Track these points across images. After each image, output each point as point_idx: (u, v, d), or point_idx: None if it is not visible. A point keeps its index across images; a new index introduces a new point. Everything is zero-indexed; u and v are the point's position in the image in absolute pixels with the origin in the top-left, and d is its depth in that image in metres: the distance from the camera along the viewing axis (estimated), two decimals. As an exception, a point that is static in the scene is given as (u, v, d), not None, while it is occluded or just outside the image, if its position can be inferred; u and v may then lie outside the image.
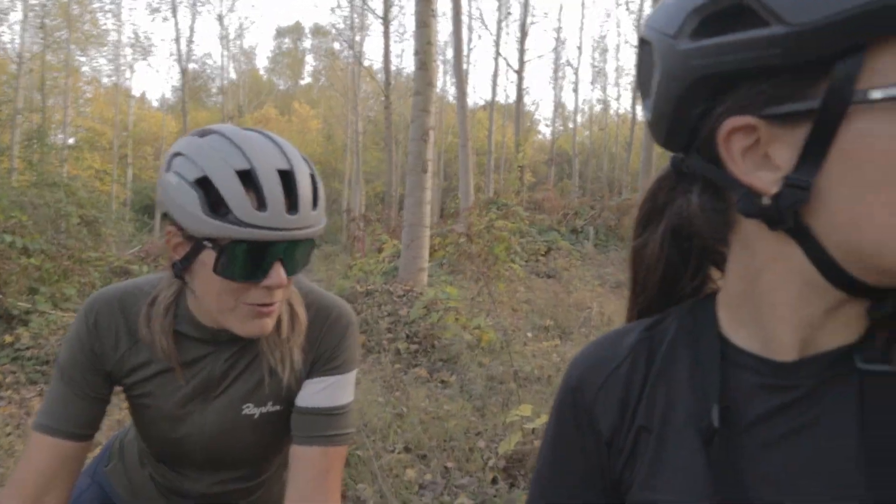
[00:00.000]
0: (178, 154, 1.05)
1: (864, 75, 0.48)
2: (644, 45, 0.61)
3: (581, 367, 0.72)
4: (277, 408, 1.25)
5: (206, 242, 1.03)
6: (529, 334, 6.36)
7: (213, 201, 1.00)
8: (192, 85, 38.88)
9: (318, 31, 51.33)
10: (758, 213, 0.55)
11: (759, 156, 0.54)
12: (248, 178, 1.00)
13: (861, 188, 0.49)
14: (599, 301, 7.81)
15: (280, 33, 56.39)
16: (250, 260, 1.03)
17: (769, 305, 0.59)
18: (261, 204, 1.00)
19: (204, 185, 1.00)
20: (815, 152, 0.50)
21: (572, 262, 11.28)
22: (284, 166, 1.04)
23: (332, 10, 49.65)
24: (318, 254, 18.24)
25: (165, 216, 1.08)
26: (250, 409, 1.24)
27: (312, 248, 1.14)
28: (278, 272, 1.06)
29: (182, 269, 1.10)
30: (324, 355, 1.24)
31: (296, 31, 55.26)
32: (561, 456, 0.73)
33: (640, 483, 0.65)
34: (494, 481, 3.44)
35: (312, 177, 1.08)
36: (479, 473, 3.53)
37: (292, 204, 1.03)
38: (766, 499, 0.57)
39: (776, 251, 0.57)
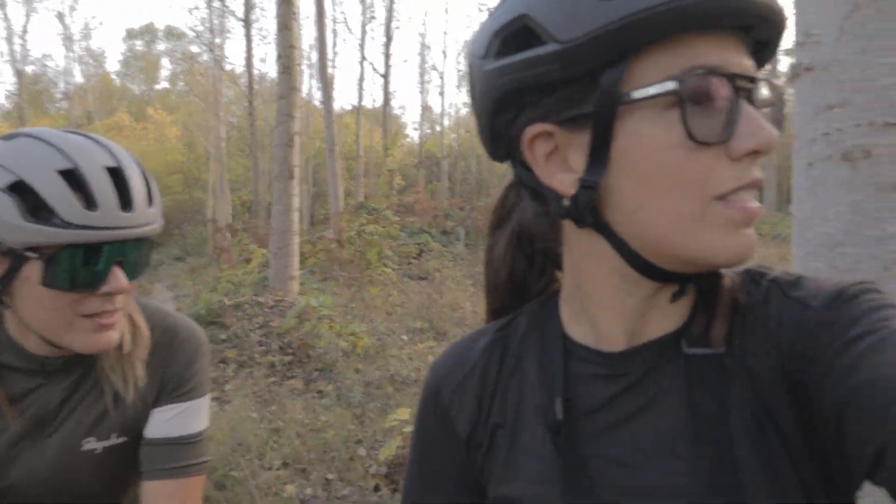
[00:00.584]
0: None
1: (627, 80, 0.54)
2: (468, 67, 0.66)
3: (438, 372, 0.76)
4: (123, 439, 1.14)
5: (28, 253, 0.93)
6: (405, 337, 6.38)
7: (33, 206, 0.91)
8: (32, 89, 35.83)
9: (172, 33, 48.90)
10: (564, 213, 0.61)
11: (559, 160, 0.60)
12: (72, 178, 0.93)
13: (639, 183, 0.55)
14: (472, 300, 7.97)
15: (131, 35, 53.16)
16: (84, 265, 0.95)
17: (594, 299, 0.65)
18: (90, 203, 0.93)
19: (19, 190, 0.91)
20: (598, 154, 0.56)
21: (444, 263, 11.43)
22: (112, 163, 0.97)
23: (190, 11, 47.23)
24: (183, 267, 17.37)
25: None
26: (91, 444, 1.12)
27: (151, 249, 1.07)
28: (117, 276, 0.98)
29: (0, 290, 0.97)
30: (172, 380, 1.15)
31: (148, 32, 52.27)
32: (426, 459, 0.76)
33: (497, 477, 0.68)
34: (377, 489, 3.41)
35: (144, 175, 1.02)
36: (361, 482, 3.49)
37: (125, 201, 0.96)
38: (611, 479, 0.61)
39: (589, 247, 0.63)
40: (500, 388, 0.71)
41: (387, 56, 25.16)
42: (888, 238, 1.30)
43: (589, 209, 0.58)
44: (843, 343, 0.53)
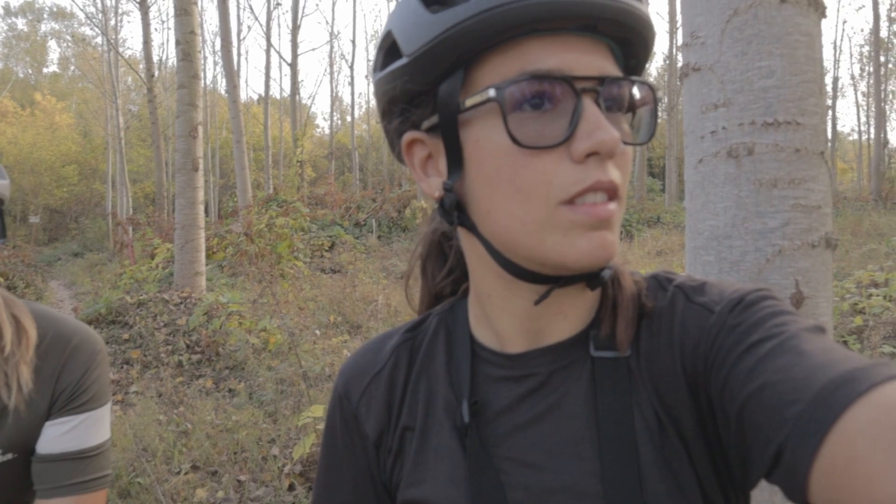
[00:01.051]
0: None
1: (466, 89, 0.57)
2: None
3: (346, 375, 0.76)
4: (11, 456, 1.06)
5: None
6: (318, 332, 6.30)
7: None
8: None
9: (60, 13, 45.96)
10: (441, 214, 0.63)
11: (433, 165, 0.63)
12: None
13: (486, 187, 0.58)
14: (386, 293, 7.94)
15: (9, 12, 49.59)
16: None
17: (487, 298, 0.66)
18: None
19: None
20: (453, 159, 0.59)
21: (357, 255, 11.35)
22: None
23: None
24: (81, 263, 16.47)
25: None
26: None
27: None
28: None
29: None
30: (66, 391, 1.07)
31: (30, 10, 48.92)
32: (334, 462, 0.76)
33: (407, 479, 0.68)
34: (291, 487, 3.37)
35: None
36: (276, 482, 3.43)
37: None
38: (518, 480, 0.62)
39: (471, 247, 0.65)
40: (410, 390, 0.71)
41: (294, 44, 24.60)
42: (769, 231, 1.37)
43: (454, 210, 0.61)
44: (744, 347, 0.54)
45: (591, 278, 0.60)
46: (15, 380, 1.02)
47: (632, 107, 0.58)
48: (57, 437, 1.06)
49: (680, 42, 1.91)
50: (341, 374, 0.77)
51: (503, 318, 0.65)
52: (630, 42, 0.58)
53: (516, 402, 0.64)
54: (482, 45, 0.55)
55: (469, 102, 0.56)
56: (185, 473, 3.53)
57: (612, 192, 0.55)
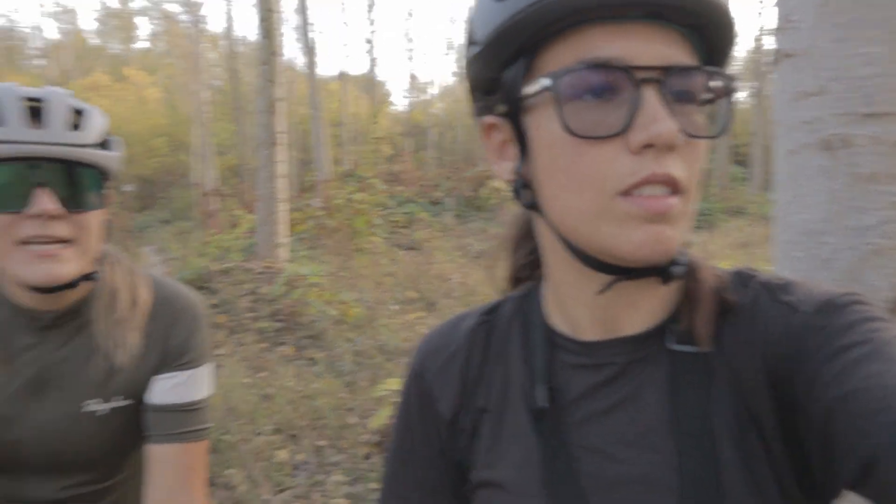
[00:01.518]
0: None
1: (528, 76, 0.58)
2: None
3: (422, 353, 0.77)
4: (126, 402, 1.17)
5: None
6: (395, 307, 6.44)
7: None
8: (2, 45, 34.95)
9: (150, -11, 47.56)
10: (514, 198, 0.65)
11: (507, 149, 0.64)
12: None
13: (546, 174, 0.59)
14: (462, 271, 8.01)
15: (102, -11, 51.50)
16: (6, 185, 0.98)
17: (560, 285, 0.67)
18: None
19: None
20: (521, 145, 0.61)
21: (433, 233, 11.45)
22: (35, 95, 1.02)
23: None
24: (170, 230, 17.22)
25: None
26: (93, 406, 1.15)
27: (98, 183, 1.08)
28: (43, 199, 0.99)
29: None
30: (174, 349, 1.18)
31: (121, -14, 50.75)
32: (407, 439, 0.77)
33: (482, 462, 0.69)
34: (368, 456, 3.50)
35: (79, 110, 1.06)
36: (353, 450, 3.58)
37: (40, 121, 1.01)
38: (591, 468, 0.62)
39: (544, 233, 0.66)
40: (485, 372, 0.71)
41: (371, 21, 24.80)
42: (866, 229, 1.29)
43: (522, 194, 0.63)
44: (832, 350, 0.52)
45: (660, 272, 0.59)
46: (124, 341, 1.14)
47: (706, 98, 0.57)
48: (164, 390, 1.18)
49: (769, 26, 1.83)
50: (417, 353, 0.78)
51: (576, 306, 0.66)
52: (706, 29, 0.56)
53: (592, 390, 0.64)
54: (542, 33, 0.55)
55: (526, 91, 0.57)
56: (268, 435, 3.72)
57: (672, 185, 0.54)
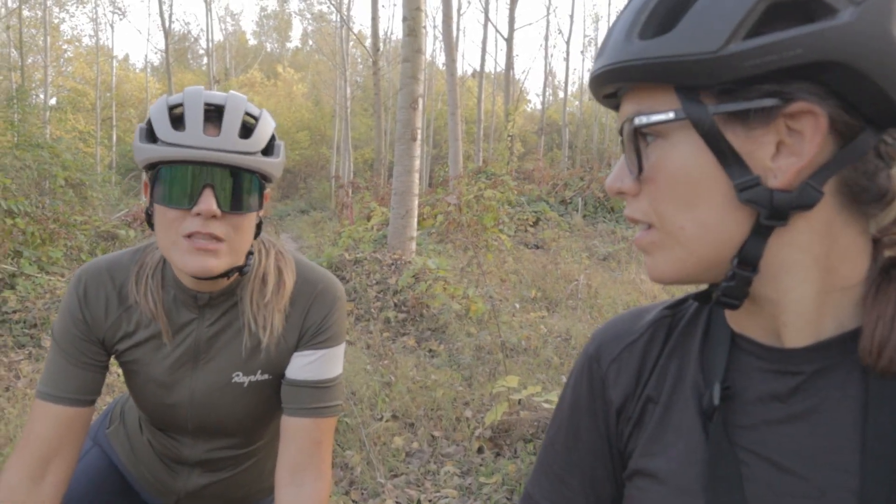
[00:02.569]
0: None
1: None
2: None
3: (600, 339, 0.77)
4: (266, 377, 1.27)
5: (147, 172, 1.12)
6: (518, 305, 6.40)
7: (148, 131, 1.10)
8: (178, 46, 38.15)
9: (306, -8, 50.24)
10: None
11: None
12: (176, 108, 1.10)
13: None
14: (587, 273, 7.85)
15: (262, -7, 55.05)
16: (178, 184, 1.07)
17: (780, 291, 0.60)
18: (180, 125, 1.08)
19: (147, 123, 1.10)
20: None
21: (560, 233, 11.30)
22: (217, 101, 1.11)
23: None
24: (307, 220, 18.12)
25: None
26: (240, 378, 1.25)
27: (258, 187, 1.16)
28: (207, 199, 1.07)
29: (149, 214, 1.14)
30: (311, 328, 1.25)
31: (281, -11, 53.95)
32: (574, 423, 0.77)
33: (641, 450, 0.69)
34: (480, 451, 3.49)
35: (255, 117, 1.14)
36: (466, 443, 3.58)
37: (217, 127, 1.09)
38: (759, 475, 0.59)
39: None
40: (660, 364, 0.71)
41: (511, 19, 24.78)
42: None
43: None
44: None
45: (703, 297, 0.66)
46: (270, 323, 1.22)
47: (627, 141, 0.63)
48: (302, 366, 1.25)
49: None
50: (594, 339, 0.78)
51: (783, 315, 0.61)
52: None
53: (770, 396, 0.61)
54: None
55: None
56: (386, 421, 3.80)
57: (636, 222, 0.63)
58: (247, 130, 1.12)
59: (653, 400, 0.70)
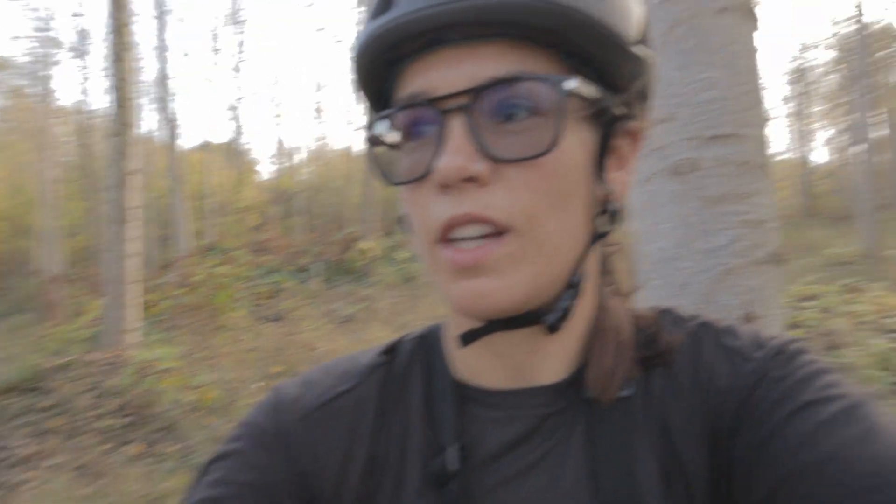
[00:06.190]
0: None
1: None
2: None
3: (297, 385, 0.63)
4: None
5: None
6: (260, 384, 6.00)
7: None
8: None
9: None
10: None
11: None
12: None
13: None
14: (329, 338, 7.75)
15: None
16: None
17: (460, 328, 0.57)
18: None
19: None
20: None
21: (300, 301, 11.07)
22: None
23: (15, 39, 43.65)
24: (4, 326, 15.58)
25: None
26: None
27: None
28: None
29: None
30: None
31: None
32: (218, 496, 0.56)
33: None
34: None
35: None
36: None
37: None
38: None
39: None
40: (382, 419, 0.60)
41: (236, 89, 24.41)
42: (718, 250, 1.30)
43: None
44: (794, 407, 0.48)
45: (531, 321, 0.53)
46: None
47: (545, 108, 0.48)
48: None
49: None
50: (284, 386, 0.63)
51: (481, 351, 0.57)
52: (558, 34, 0.48)
53: (506, 449, 0.56)
54: (383, 67, 0.52)
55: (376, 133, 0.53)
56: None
57: (487, 223, 0.47)
58: None
59: (381, 465, 0.58)
